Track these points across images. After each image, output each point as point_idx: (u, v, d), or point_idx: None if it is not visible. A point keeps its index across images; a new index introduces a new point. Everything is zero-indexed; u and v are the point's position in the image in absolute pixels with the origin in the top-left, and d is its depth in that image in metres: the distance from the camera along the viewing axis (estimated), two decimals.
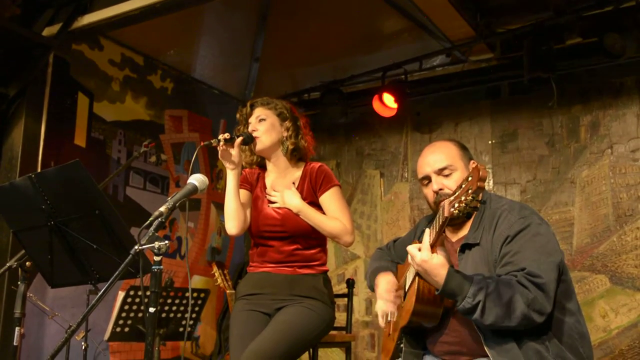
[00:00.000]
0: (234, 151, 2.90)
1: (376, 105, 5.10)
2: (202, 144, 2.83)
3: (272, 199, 2.99)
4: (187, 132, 5.53)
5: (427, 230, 2.19)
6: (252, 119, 3.04)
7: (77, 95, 4.62)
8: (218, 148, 2.87)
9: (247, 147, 3.05)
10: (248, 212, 3.03)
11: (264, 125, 3.00)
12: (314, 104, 5.68)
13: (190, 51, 5.39)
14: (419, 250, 2.15)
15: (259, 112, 3.04)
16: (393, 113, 5.11)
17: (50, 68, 4.42)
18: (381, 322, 2.53)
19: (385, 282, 2.57)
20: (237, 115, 3.13)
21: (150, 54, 5.19)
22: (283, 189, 2.99)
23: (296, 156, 3.07)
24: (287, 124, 3.05)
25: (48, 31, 4.35)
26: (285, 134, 3.04)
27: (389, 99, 5.04)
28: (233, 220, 2.94)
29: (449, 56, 5.10)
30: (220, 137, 2.85)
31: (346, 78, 5.45)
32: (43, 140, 4.34)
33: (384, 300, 2.52)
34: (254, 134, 2.98)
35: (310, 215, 2.92)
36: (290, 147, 3.02)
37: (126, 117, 4.98)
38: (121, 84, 4.95)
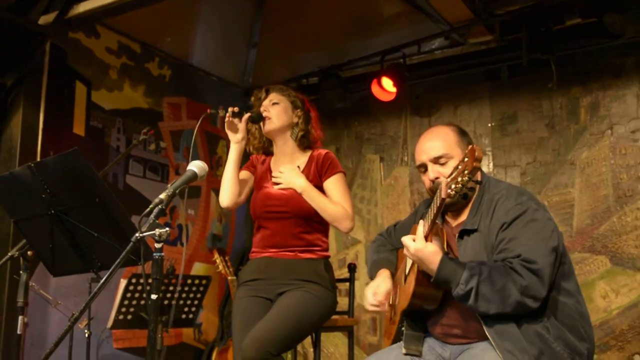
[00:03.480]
0: (241, 125, 2.96)
1: (375, 89, 5.08)
2: (208, 111, 2.88)
3: (277, 180, 3.01)
4: (185, 119, 5.51)
5: (422, 222, 2.21)
6: (265, 102, 3.10)
7: (74, 83, 4.60)
8: (226, 119, 2.94)
9: (256, 130, 3.13)
10: (246, 190, 3.10)
11: (276, 108, 3.06)
12: (313, 89, 5.66)
13: (187, 38, 5.36)
14: (414, 240, 2.18)
15: (273, 96, 3.11)
16: (392, 97, 5.09)
17: (47, 57, 4.39)
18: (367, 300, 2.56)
19: (376, 285, 2.58)
20: (252, 99, 3.20)
21: (147, 41, 5.16)
22: (287, 170, 3.01)
23: (304, 143, 3.11)
24: (299, 112, 3.11)
25: (44, 19, 4.32)
26: (295, 119, 3.09)
27: (387, 83, 5.02)
28: (227, 192, 3.00)
29: (447, 39, 5.07)
30: (230, 109, 2.92)
31: (344, 63, 5.43)
32: (42, 129, 4.32)
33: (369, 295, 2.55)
34: (265, 114, 3.03)
35: (313, 196, 2.94)
36: (300, 133, 3.07)
37: (125, 105, 4.96)
38: (119, 71, 4.93)
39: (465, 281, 2.07)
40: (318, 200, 2.95)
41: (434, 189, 2.33)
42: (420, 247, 2.15)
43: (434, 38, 5.04)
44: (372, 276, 2.69)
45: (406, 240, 2.21)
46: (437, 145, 2.38)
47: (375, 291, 2.54)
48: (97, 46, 4.77)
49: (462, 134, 2.45)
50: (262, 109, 3.07)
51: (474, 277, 2.07)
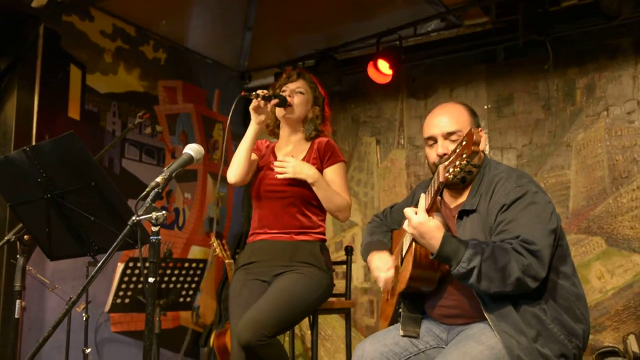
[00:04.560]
0: (267, 109, 3.00)
1: (371, 72, 5.06)
2: (242, 93, 2.93)
3: (282, 169, 2.97)
4: (181, 102, 5.50)
5: (423, 195, 2.19)
6: (291, 86, 3.13)
7: (69, 67, 4.58)
8: (254, 102, 2.96)
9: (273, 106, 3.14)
10: (252, 170, 3.11)
11: (300, 98, 3.10)
12: (309, 72, 5.63)
13: (182, 21, 5.33)
14: (415, 213, 2.16)
15: (301, 84, 3.15)
16: (388, 79, 5.07)
17: (41, 40, 4.37)
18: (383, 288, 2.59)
19: (377, 259, 2.59)
20: (284, 76, 3.22)
21: (142, 25, 5.13)
22: (294, 159, 3.01)
23: (313, 139, 3.15)
24: (317, 110, 3.18)
25: (37, 2, 4.28)
26: (310, 115, 3.15)
27: (383, 66, 5.00)
28: (237, 169, 3.01)
29: (443, 21, 5.04)
30: (260, 92, 2.95)
31: (340, 45, 5.40)
32: (36, 113, 4.31)
33: (380, 272, 2.55)
34: (288, 99, 3.06)
35: (324, 186, 2.97)
36: (313, 132, 3.14)
37: (120, 89, 4.94)
38: (113, 55, 4.90)
39: (468, 259, 2.07)
40: (327, 191, 2.97)
41: (439, 164, 2.31)
42: (423, 220, 2.13)
43: (430, 20, 5.01)
44: (365, 258, 2.70)
45: (408, 212, 2.18)
46: (452, 122, 2.37)
47: (381, 266, 2.55)
48: (91, 29, 4.74)
49: (474, 114, 2.44)
50: (287, 92, 3.09)
51: (476, 255, 2.07)
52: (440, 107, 2.47)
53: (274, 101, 2.99)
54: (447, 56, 5.21)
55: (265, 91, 2.98)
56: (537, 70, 4.78)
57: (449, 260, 2.12)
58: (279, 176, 2.97)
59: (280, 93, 3.11)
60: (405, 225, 2.22)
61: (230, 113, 2.94)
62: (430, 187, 2.21)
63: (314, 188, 2.95)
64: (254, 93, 2.94)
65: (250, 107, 2.98)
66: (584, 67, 4.68)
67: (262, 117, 3.01)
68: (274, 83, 3.25)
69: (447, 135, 2.36)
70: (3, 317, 3.98)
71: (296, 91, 3.10)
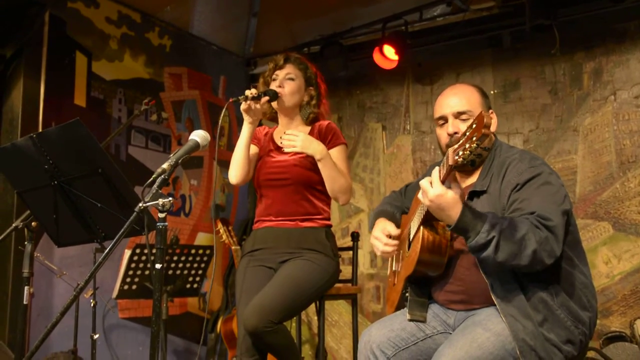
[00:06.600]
0: (258, 107, 2.95)
1: (377, 57, 5.04)
2: (230, 100, 2.88)
3: (291, 143, 2.93)
4: (187, 89, 5.49)
5: (437, 168, 2.13)
6: (281, 74, 3.07)
7: (75, 54, 4.57)
8: (243, 104, 2.92)
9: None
10: (253, 165, 3.09)
11: (291, 85, 3.05)
12: (314, 57, 5.60)
13: (187, 7, 5.31)
14: (431, 185, 2.09)
15: (290, 69, 3.09)
16: (394, 65, 5.05)
17: (47, 27, 4.36)
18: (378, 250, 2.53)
19: (381, 228, 2.54)
20: (271, 64, 3.15)
21: (147, 11, 5.11)
22: (302, 134, 2.96)
23: (312, 122, 3.13)
24: (312, 91, 3.12)
25: None
26: (306, 98, 3.10)
27: (389, 51, 4.98)
28: (237, 170, 2.99)
29: (449, 5, 5.00)
30: (248, 93, 2.90)
31: (346, 30, 5.38)
32: (43, 100, 4.31)
33: (378, 242, 2.52)
34: (279, 90, 3.02)
35: (330, 164, 2.94)
36: (311, 115, 3.10)
37: (125, 76, 4.93)
38: (119, 42, 4.89)
39: (487, 230, 2.02)
40: (332, 170, 2.94)
41: (449, 144, 2.28)
42: (441, 192, 2.05)
43: (436, 5, 4.98)
44: (372, 223, 2.67)
45: (424, 183, 2.11)
46: (462, 102, 2.37)
47: (383, 227, 2.51)
48: (96, 16, 4.73)
49: (485, 96, 2.45)
50: (277, 83, 3.05)
51: (496, 226, 2.03)
52: (451, 88, 2.48)
53: (264, 99, 2.96)
54: (453, 41, 5.17)
55: (253, 91, 2.93)
56: (544, 54, 4.75)
57: (466, 232, 2.07)
58: (287, 149, 2.94)
59: (271, 81, 3.09)
60: (421, 196, 2.15)
61: (220, 121, 2.97)
62: (441, 167, 2.19)
63: (320, 165, 2.92)
64: (242, 97, 2.89)
65: (242, 109, 2.94)
66: (591, 51, 4.64)
67: (256, 117, 2.98)
68: (263, 72, 3.19)
69: (458, 115, 2.36)
70: (12, 303, 4.01)
71: (286, 78, 3.06)
